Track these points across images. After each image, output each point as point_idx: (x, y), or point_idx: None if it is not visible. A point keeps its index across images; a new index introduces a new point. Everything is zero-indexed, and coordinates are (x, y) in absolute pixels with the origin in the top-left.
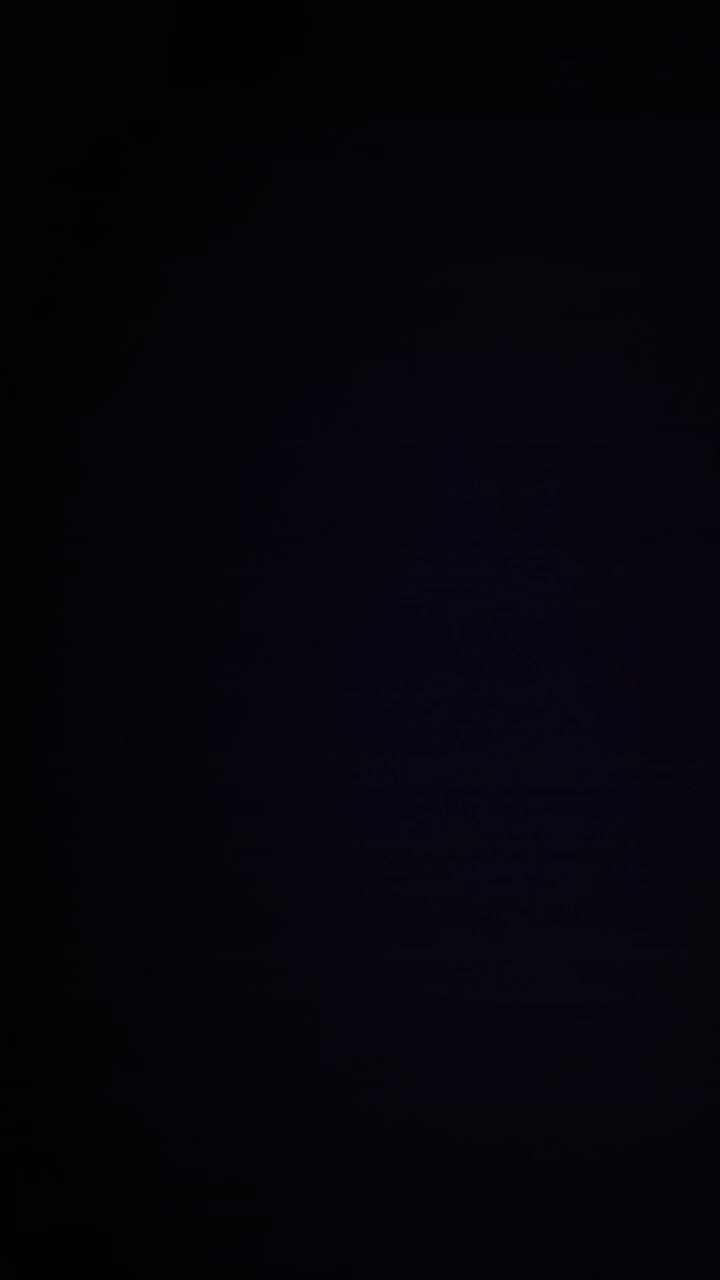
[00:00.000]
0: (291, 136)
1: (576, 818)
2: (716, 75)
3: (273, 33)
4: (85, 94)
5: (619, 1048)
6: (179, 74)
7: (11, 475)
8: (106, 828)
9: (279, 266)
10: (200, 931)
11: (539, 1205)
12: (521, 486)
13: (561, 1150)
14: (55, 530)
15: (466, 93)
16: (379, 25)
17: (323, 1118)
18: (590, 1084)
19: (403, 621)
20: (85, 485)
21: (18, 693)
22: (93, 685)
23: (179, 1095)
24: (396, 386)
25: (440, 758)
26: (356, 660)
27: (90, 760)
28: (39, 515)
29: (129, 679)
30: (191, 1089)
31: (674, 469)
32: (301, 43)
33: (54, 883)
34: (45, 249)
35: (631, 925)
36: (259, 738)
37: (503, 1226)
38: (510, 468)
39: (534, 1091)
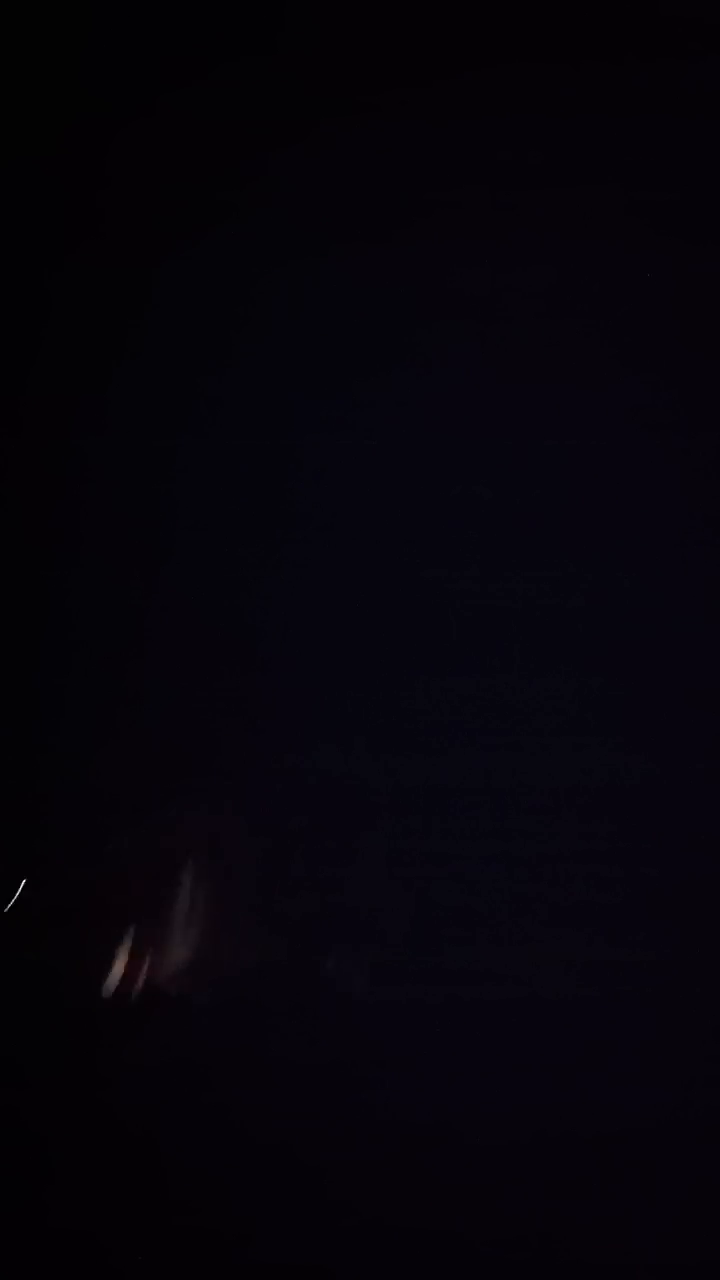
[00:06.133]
0: (291, 136)
1: (577, 818)
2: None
3: (266, 31)
4: (75, 94)
5: (619, 1048)
6: (171, 72)
7: (11, 477)
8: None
9: (281, 269)
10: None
11: (534, 1206)
12: (525, 489)
13: (561, 1149)
14: (58, 531)
15: (468, 92)
16: (376, 24)
17: (324, 1117)
18: (590, 1084)
19: (404, 623)
20: (87, 487)
21: (17, 690)
22: (95, 681)
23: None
24: (395, 390)
25: (445, 758)
26: (359, 661)
27: (57, 751)
28: (42, 517)
29: (131, 675)
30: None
31: (674, 470)
32: (297, 40)
33: (52, 881)
34: (40, 251)
35: (632, 925)
36: (262, 738)
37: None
38: (514, 470)
39: (532, 1092)
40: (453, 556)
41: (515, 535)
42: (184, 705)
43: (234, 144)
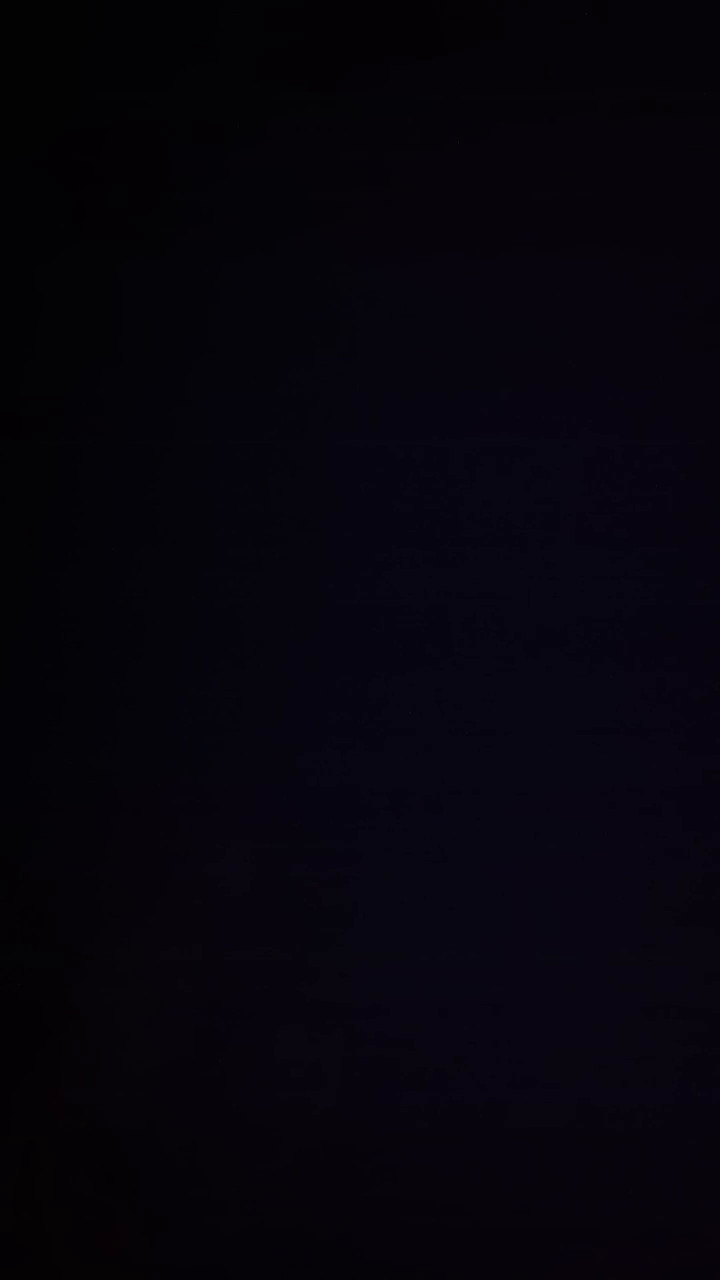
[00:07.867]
0: (290, 135)
1: (573, 817)
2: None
3: (232, 27)
4: (42, 95)
5: (621, 1048)
6: (133, 72)
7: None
8: (71, 821)
9: (259, 261)
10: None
11: (535, 1207)
12: (518, 486)
13: (561, 1150)
14: (54, 532)
15: (442, 84)
16: (339, 20)
17: (322, 1117)
18: (591, 1084)
19: (389, 621)
20: (55, 485)
21: (16, 690)
22: (65, 679)
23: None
24: (382, 385)
25: (428, 757)
26: (339, 660)
27: (58, 753)
28: (38, 517)
29: (101, 674)
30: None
31: (676, 468)
32: (260, 38)
33: (15, 880)
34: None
35: (635, 924)
36: (238, 737)
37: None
38: (505, 466)
39: (532, 1092)
40: (452, 556)
41: (515, 535)
42: (183, 705)
43: (230, 143)
